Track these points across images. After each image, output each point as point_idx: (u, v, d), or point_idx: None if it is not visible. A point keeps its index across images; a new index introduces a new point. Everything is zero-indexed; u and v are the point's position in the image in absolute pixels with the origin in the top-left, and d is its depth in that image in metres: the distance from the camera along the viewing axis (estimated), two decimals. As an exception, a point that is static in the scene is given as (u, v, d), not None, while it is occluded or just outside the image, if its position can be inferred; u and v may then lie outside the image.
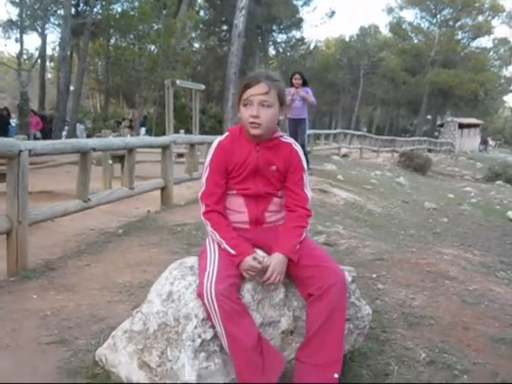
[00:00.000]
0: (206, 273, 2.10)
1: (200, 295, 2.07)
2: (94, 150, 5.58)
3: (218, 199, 2.30)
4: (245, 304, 2.12)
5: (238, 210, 2.33)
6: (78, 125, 25.85)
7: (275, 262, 2.16)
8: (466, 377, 2.50)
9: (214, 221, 2.27)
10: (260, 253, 2.26)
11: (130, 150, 6.64)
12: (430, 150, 35.51)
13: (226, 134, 2.39)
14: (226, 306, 1.99)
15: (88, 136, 23.54)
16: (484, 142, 53.86)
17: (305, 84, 10.05)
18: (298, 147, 2.39)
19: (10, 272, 3.96)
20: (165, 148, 7.33)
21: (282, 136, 2.38)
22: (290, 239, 2.24)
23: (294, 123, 10.10)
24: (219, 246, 2.23)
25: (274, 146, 2.34)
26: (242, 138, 2.34)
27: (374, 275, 4.05)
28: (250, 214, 2.33)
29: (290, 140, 2.41)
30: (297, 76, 10.05)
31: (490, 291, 3.91)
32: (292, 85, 9.99)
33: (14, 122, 23.11)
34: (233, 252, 2.17)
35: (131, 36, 29.16)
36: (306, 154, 8.54)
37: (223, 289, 2.01)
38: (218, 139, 2.37)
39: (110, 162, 9.44)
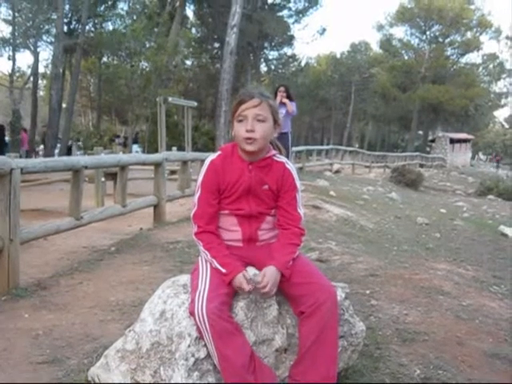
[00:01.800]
0: (198, 291, 2.09)
1: (191, 314, 2.06)
2: (86, 167, 5.57)
3: (209, 219, 2.30)
4: (237, 322, 2.11)
5: (231, 228, 2.34)
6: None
7: (269, 273, 2.16)
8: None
9: (205, 241, 2.27)
10: (251, 271, 2.26)
11: (123, 167, 6.63)
12: (421, 165, 35.69)
13: (219, 152, 2.38)
14: (217, 325, 1.98)
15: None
16: (497, 161, 54.68)
17: (290, 98, 9.43)
18: (290, 166, 2.38)
19: (2, 291, 3.92)
20: (157, 165, 7.32)
21: (274, 155, 2.38)
22: (284, 255, 2.24)
23: (277, 138, 9.91)
24: (211, 264, 2.23)
25: (266, 166, 2.34)
26: (234, 156, 2.33)
27: (368, 291, 4.05)
28: (243, 233, 2.33)
29: (283, 159, 2.40)
30: (281, 89, 9.46)
31: (484, 306, 3.91)
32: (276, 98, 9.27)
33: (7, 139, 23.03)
34: (223, 271, 2.17)
35: (123, 54, 29.27)
36: None
37: (214, 307, 2.01)
38: (209, 158, 2.35)
39: (103, 179, 9.44)
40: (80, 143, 28.44)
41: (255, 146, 2.25)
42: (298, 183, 2.38)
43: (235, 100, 2.32)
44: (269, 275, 2.15)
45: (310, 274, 2.24)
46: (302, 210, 2.37)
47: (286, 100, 9.21)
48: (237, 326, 2.08)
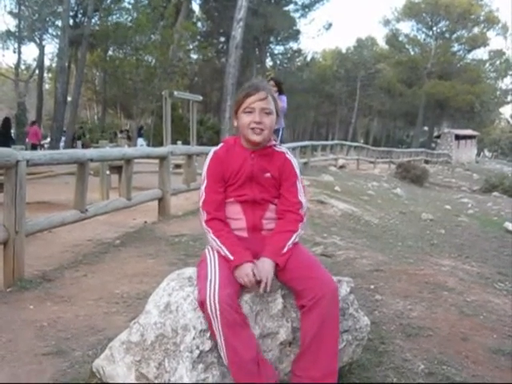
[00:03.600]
0: (208, 280, 2.08)
1: (202, 302, 2.05)
2: (92, 160, 5.58)
3: (218, 206, 2.32)
4: (245, 315, 2.11)
5: (236, 217, 2.34)
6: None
7: (262, 267, 2.17)
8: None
9: (215, 228, 2.28)
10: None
11: (128, 160, 6.64)
12: (426, 162, 35.63)
13: (221, 144, 2.45)
14: (228, 314, 1.98)
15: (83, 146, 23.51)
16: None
17: (280, 92, 8.74)
18: (290, 156, 2.44)
19: (7, 282, 3.95)
20: (162, 159, 7.33)
21: (275, 145, 2.43)
22: (277, 242, 2.25)
23: None
24: (219, 254, 2.22)
25: (267, 155, 2.39)
26: (236, 146, 2.39)
27: (372, 286, 4.05)
28: (247, 221, 2.34)
29: (284, 149, 2.46)
30: (271, 83, 8.54)
31: (488, 302, 3.91)
32: None
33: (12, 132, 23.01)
34: (231, 257, 2.17)
35: (129, 47, 29.25)
36: None
37: (227, 295, 2.01)
38: (213, 149, 2.42)
39: (108, 172, 9.45)
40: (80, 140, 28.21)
41: (262, 136, 2.31)
42: (298, 171, 2.41)
43: (241, 92, 2.37)
44: (262, 270, 2.16)
45: (310, 267, 2.23)
46: (303, 198, 2.38)
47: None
48: (245, 319, 2.08)
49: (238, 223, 2.33)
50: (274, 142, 2.44)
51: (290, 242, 2.27)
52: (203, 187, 2.36)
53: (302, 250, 2.36)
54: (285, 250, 2.23)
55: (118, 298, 3.64)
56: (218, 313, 1.98)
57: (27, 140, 21.56)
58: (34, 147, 19.83)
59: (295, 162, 2.44)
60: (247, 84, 2.42)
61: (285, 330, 2.22)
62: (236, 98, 2.40)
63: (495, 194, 20.41)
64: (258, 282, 2.15)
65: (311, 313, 2.11)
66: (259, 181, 2.34)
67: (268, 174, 2.35)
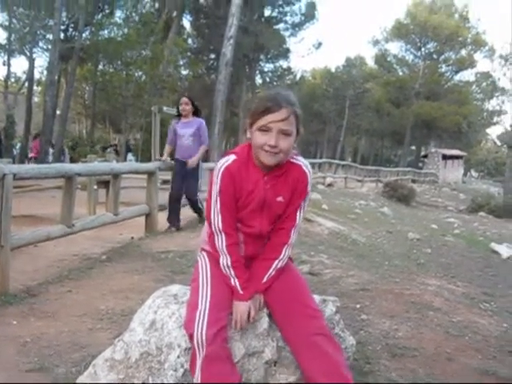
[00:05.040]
0: (198, 311, 2.03)
1: (190, 335, 2.00)
2: (79, 175, 5.56)
3: (236, 228, 2.24)
4: (230, 351, 2.07)
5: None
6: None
7: (239, 309, 2.16)
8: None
9: (235, 257, 2.20)
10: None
11: (116, 175, 6.62)
12: (413, 181, 35.79)
13: (233, 157, 2.20)
14: (213, 352, 1.95)
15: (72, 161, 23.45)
16: None
17: (197, 113, 7.45)
18: (307, 170, 2.24)
19: (-9, 297, 3.90)
20: (150, 174, 7.31)
21: (292, 157, 2.22)
22: (258, 272, 2.24)
23: (183, 168, 7.27)
24: (212, 271, 2.21)
25: (282, 174, 2.21)
26: (250, 163, 2.20)
27: (358, 305, 4.05)
28: (246, 250, 2.29)
29: (301, 161, 2.25)
30: (185, 100, 7.30)
31: (474, 323, 3.92)
32: (178, 114, 7.44)
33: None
34: (241, 292, 2.16)
35: (119, 62, 29.29)
36: (198, 210, 7.54)
37: (214, 334, 1.96)
38: (224, 164, 2.18)
39: (95, 187, 9.41)
40: (66, 149, 28.08)
41: (276, 159, 2.12)
42: (309, 189, 2.26)
43: (259, 104, 2.13)
44: (236, 311, 2.16)
45: (294, 292, 2.23)
46: (301, 216, 2.27)
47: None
48: (229, 355, 2.04)
49: None
50: (292, 154, 2.21)
51: (271, 270, 2.23)
52: (218, 207, 2.18)
53: (291, 270, 2.34)
54: (264, 280, 2.22)
55: (103, 314, 3.61)
56: (203, 349, 1.94)
57: (31, 155, 21.57)
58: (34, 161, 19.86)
59: (310, 177, 2.25)
60: (268, 95, 2.18)
61: (270, 349, 2.21)
62: (253, 109, 2.14)
63: (481, 214, 20.53)
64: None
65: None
66: (270, 206, 2.21)
67: (280, 198, 2.21)
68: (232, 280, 2.18)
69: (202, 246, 2.40)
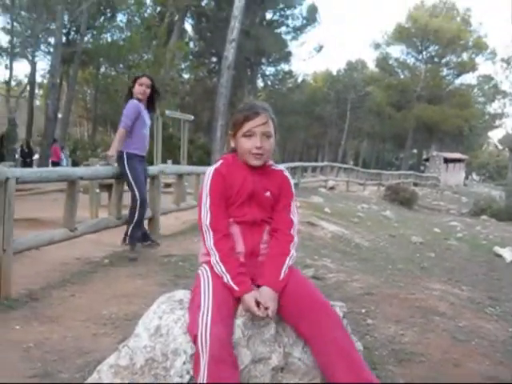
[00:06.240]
0: (201, 313, 2.03)
1: (194, 336, 1.99)
2: (82, 178, 5.53)
3: (226, 226, 2.28)
4: (235, 356, 2.03)
5: (234, 239, 2.29)
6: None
7: (268, 296, 2.13)
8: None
9: (223, 251, 2.21)
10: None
11: (118, 178, 6.58)
12: (415, 184, 35.76)
13: (220, 161, 2.38)
14: (217, 352, 1.92)
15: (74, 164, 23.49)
16: None
17: (153, 99, 6.12)
18: (288, 174, 2.45)
19: (-7, 302, 3.88)
20: (153, 178, 7.28)
21: (272, 164, 2.42)
22: (273, 269, 2.22)
23: (143, 166, 6.19)
24: (214, 280, 2.18)
25: (267, 173, 2.38)
26: (236, 164, 2.35)
27: (363, 310, 4.02)
28: (245, 245, 2.29)
29: (281, 167, 2.47)
30: (144, 80, 5.91)
31: (480, 328, 3.89)
32: (131, 94, 5.98)
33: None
34: (236, 288, 2.14)
35: (121, 65, 29.34)
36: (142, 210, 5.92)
37: (218, 333, 1.95)
38: (213, 167, 2.36)
39: (98, 190, 9.38)
40: (66, 152, 28.10)
41: (262, 160, 2.32)
42: (293, 191, 2.43)
43: (239, 115, 2.32)
44: (269, 299, 2.13)
45: (305, 290, 2.22)
46: (295, 218, 2.38)
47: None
48: (234, 360, 2.00)
49: (236, 247, 2.28)
50: (270, 162, 2.42)
51: (285, 267, 2.24)
52: (208, 205, 2.28)
53: (295, 273, 2.33)
54: (281, 276, 2.21)
55: (107, 319, 3.58)
56: (207, 350, 1.92)
57: (50, 160, 21.75)
58: (54, 165, 19.90)
59: (292, 181, 2.45)
60: (245, 105, 2.40)
61: (277, 356, 2.17)
62: (233, 119, 2.36)
63: (484, 217, 20.46)
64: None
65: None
66: (259, 199, 2.32)
67: (268, 193, 2.34)
68: (225, 278, 2.17)
69: (201, 260, 2.39)
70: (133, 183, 5.86)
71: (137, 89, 5.89)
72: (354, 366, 2.01)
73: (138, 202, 5.84)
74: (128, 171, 5.84)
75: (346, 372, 2.00)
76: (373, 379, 2.03)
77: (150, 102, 6.09)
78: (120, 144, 5.87)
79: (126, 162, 5.87)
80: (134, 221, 5.88)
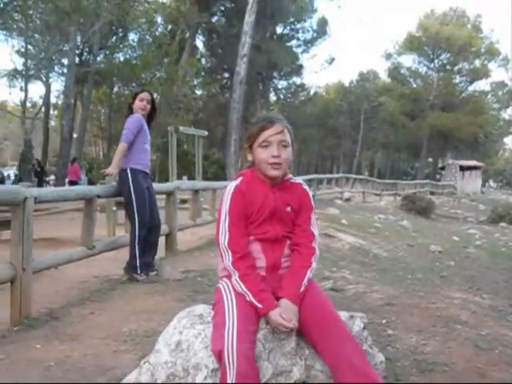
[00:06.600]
0: (226, 329, 2.02)
1: (220, 352, 1.98)
2: (99, 196, 5.57)
3: (245, 245, 2.26)
4: (258, 368, 2.04)
5: (255, 256, 2.28)
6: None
7: (290, 309, 2.14)
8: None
9: (242, 271, 2.20)
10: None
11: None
12: (432, 193, 35.57)
13: (240, 178, 2.35)
14: (244, 369, 1.92)
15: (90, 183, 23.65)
16: None
17: (152, 114, 5.73)
18: (307, 187, 2.43)
19: (14, 321, 3.89)
20: (169, 194, 7.32)
21: (291, 178, 2.40)
22: (294, 282, 2.22)
23: (148, 180, 5.71)
24: (237, 296, 2.18)
25: (287, 187, 2.36)
26: (256, 180, 2.33)
27: (384, 321, 3.98)
28: (267, 260, 2.28)
29: (300, 180, 2.45)
30: (145, 95, 5.57)
31: (503, 336, 3.83)
32: (131, 110, 5.56)
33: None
34: (259, 306, 2.14)
35: (134, 84, 29.61)
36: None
37: (245, 348, 1.96)
38: (233, 184, 2.33)
39: (114, 208, 9.43)
40: (83, 171, 28.26)
41: (281, 170, 2.28)
42: (313, 204, 2.42)
43: (254, 126, 2.32)
44: (290, 312, 2.13)
45: (323, 309, 2.21)
46: (316, 230, 2.38)
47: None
48: (257, 374, 2.01)
49: (258, 262, 2.27)
50: (290, 175, 2.40)
51: (306, 279, 2.24)
52: (226, 224, 2.25)
53: (315, 286, 2.33)
54: (301, 289, 2.21)
55: (127, 336, 3.58)
56: (235, 366, 1.91)
57: (67, 179, 21.90)
58: (72, 184, 20.08)
59: (311, 194, 2.44)
60: (259, 117, 2.39)
61: (298, 369, 2.16)
62: (249, 132, 2.34)
63: (502, 224, 20.27)
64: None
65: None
66: (280, 215, 2.31)
67: (289, 208, 2.32)
68: (247, 296, 2.16)
69: (221, 275, 2.39)
70: (134, 202, 5.34)
71: (137, 104, 5.51)
72: (359, 373, 2.02)
73: (137, 222, 5.35)
74: (132, 188, 5.36)
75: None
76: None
77: (150, 118, 5.72)
78: (121, 161, 5.44)
79: (130, 179, 5.39)
80: (136, 246, 5.37)
